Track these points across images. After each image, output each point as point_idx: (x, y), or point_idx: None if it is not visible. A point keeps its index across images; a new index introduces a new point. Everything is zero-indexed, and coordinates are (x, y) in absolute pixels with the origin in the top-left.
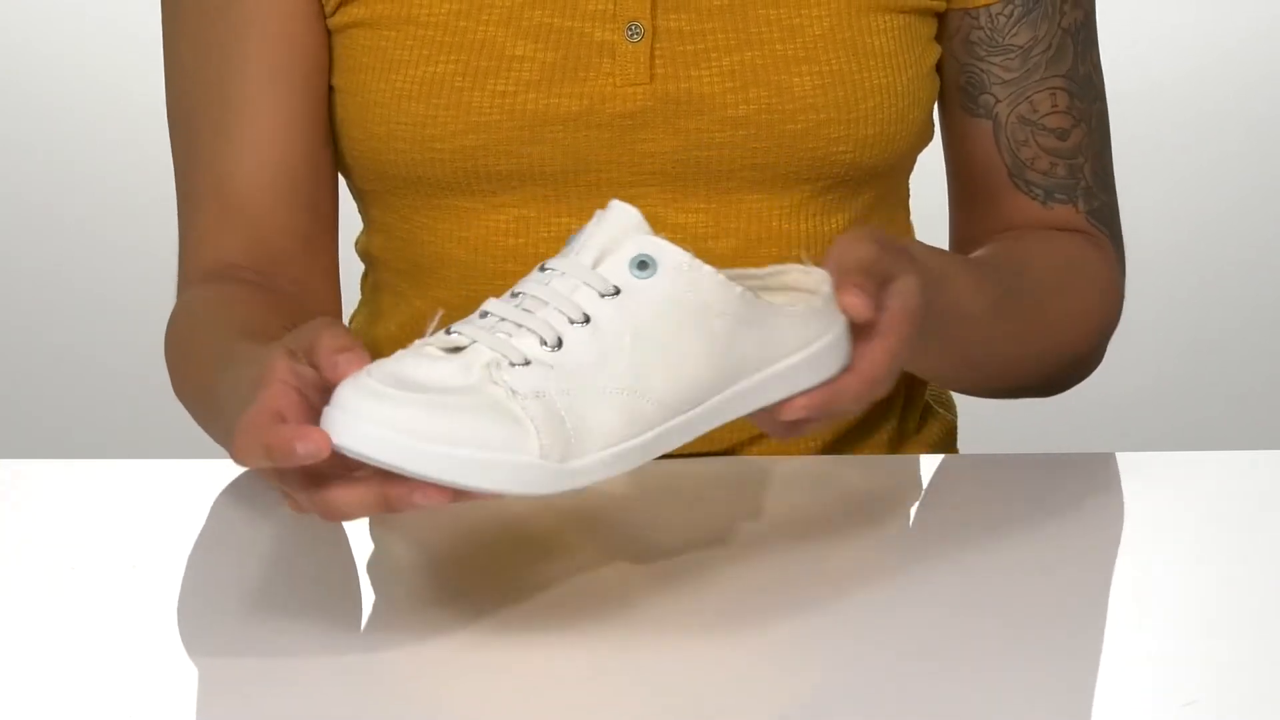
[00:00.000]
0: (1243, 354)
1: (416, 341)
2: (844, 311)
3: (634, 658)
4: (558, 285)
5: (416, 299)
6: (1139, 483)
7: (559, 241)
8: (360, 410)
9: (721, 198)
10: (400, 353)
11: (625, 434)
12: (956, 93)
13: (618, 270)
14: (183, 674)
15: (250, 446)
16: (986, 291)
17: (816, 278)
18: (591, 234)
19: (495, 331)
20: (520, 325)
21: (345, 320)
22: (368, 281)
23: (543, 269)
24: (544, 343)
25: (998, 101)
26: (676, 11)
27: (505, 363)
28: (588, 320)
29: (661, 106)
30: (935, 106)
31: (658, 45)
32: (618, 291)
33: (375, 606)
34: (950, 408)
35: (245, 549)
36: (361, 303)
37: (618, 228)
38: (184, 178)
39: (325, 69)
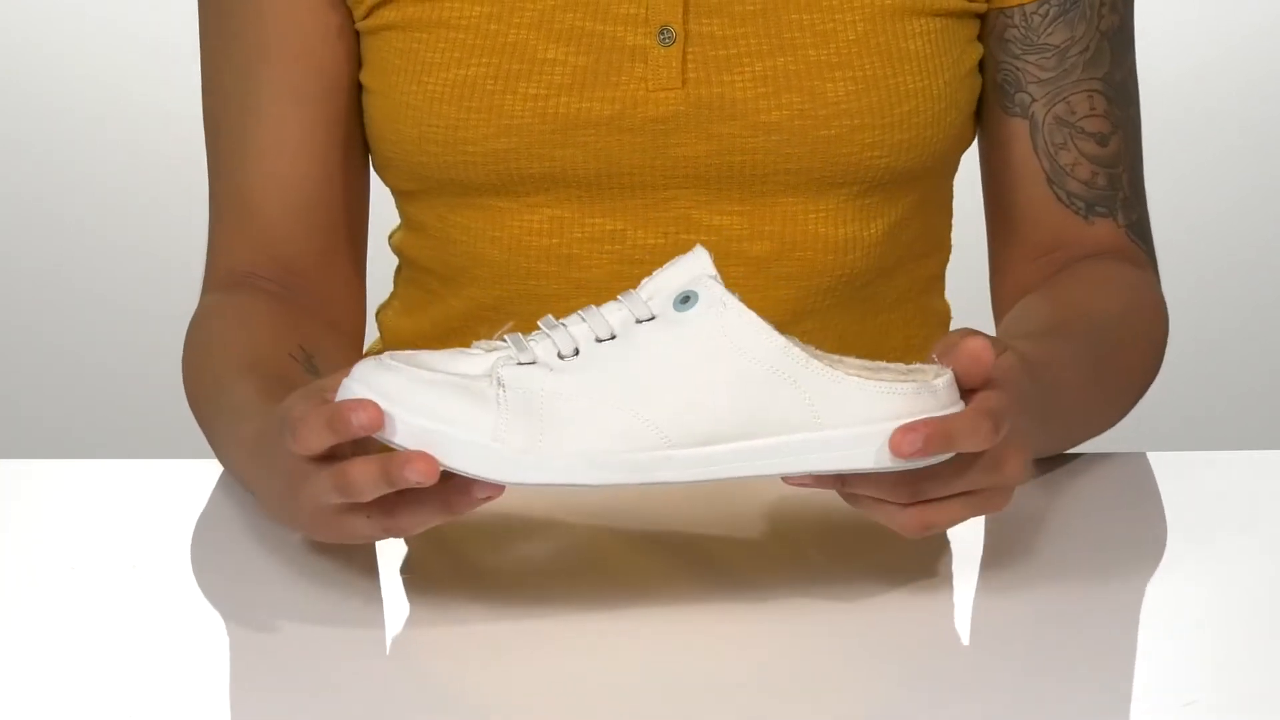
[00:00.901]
0: (1243, 354)
1: (475, 342)
2: (972, 356)
3: (633, 654)
4: (606, 309)
5: (450, 297)
6: (1138, 482)
7: (593, 241)
8: (360, 375)
9: (756, 200)
10: (450, 349)
11: (608, 446)
12: (994, 91)
13: (663, 303)
14: (183, 674)
15: (311, 430)
16: (1082, 362)
17: (936, 369)
18: (661, 272)
19: (530, 340)
20: (548, 336)
21: (374, 312)
22: (401, 275)
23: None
24: (560, 354)
25: (1034, 100)
26: (709, 16)
27: (513, 361)
28: (613, 338)
29: (694, 111)
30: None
31: (690, 50)
32: (652, 319)
33: (376, 605)
34: None
35: (246, 549)
36: (394, 295)
37: (685, 270)
38: (212, 184)
39: (347, 85)
